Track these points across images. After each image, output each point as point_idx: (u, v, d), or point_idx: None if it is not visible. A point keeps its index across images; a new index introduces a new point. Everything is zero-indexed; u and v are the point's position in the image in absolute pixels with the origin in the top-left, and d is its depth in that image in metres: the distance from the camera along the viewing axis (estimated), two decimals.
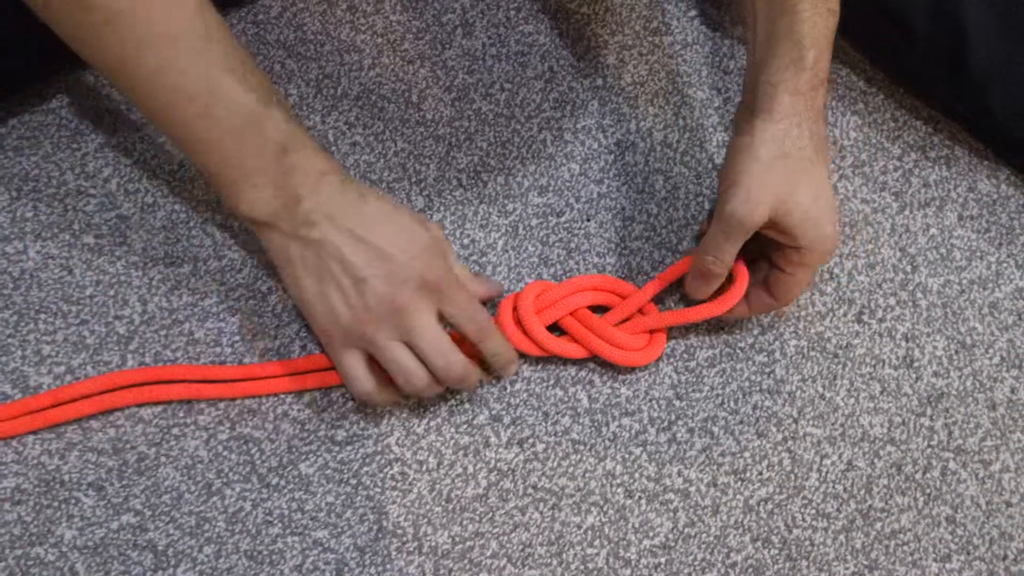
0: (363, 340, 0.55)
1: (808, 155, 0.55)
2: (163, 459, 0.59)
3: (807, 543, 0.61)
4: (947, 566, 0.62)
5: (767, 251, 0.59)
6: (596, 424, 0.62)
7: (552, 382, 0.63)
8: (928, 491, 0.63)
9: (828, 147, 0.56)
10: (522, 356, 0.62)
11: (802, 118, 0.55)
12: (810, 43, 0.55)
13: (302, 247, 0.54)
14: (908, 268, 0.69)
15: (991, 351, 0.67)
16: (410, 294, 0.54)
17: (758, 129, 0.55)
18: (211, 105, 0.51)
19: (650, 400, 0.63)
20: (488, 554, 0.59)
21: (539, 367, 0.63)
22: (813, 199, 0.55)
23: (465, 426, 0.62)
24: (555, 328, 0.62)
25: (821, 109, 0.56)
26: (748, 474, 0.62)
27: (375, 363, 0.56)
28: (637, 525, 0.60)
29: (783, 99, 0.55)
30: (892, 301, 0.68)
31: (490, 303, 0.64)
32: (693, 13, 0.76)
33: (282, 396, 0.61)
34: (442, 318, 0.56)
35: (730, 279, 0.60)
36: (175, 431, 0.60)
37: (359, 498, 0.59)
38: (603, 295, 0.61)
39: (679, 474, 0.61)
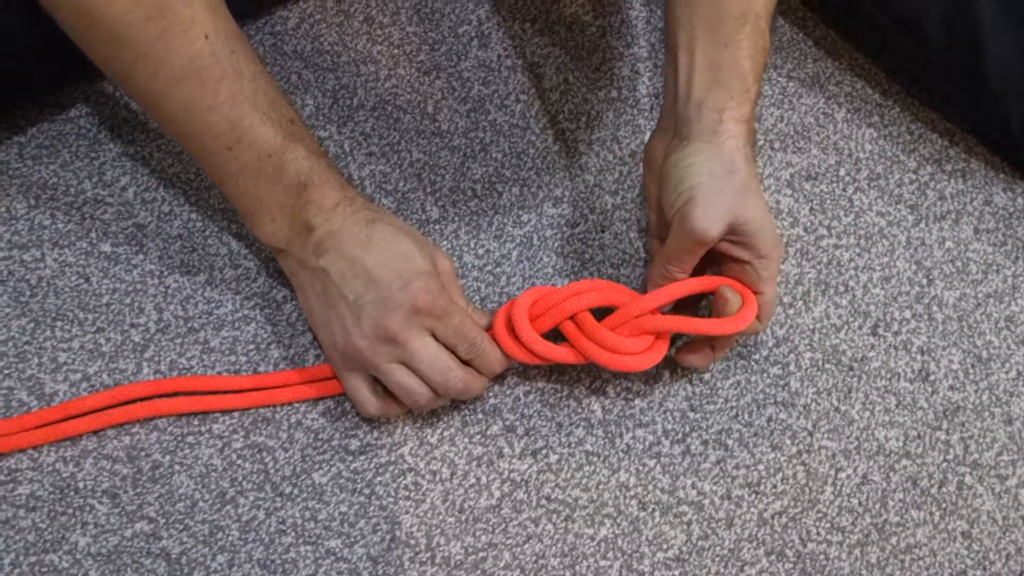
0: (364, 364, 0.56)
1: (751, 172, 0.57)
2: (177, 467, 0.59)
3: (822, 557, 0.60)
4: None
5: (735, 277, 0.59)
6: (610, 435, 0.62)
7: (566, 393, 0.63)
8: (944, 506, 0.62)
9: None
10: (530, 367, 0.62)
11: (743, 141, 0.57)
12: (753, 79, 0.57)
13: (311, 274, 0.57)
14: (924, 281, 0.69)
15: (1007, 365, 0.67)
16: (402, 320, 0.55)
17: (706, 150, 0.56)
18: (236, 141, 0.53)
19: (664, 412, 0.63)
20: (501, 565, 0.58)
21: (552, 378, 0.63)
22: (758, 211, 0.56)
23: (479, 436, 0.61)
24: (556, 335, 0.60)
25: (754, 135, 0.59)
26: (762, 487, 0.61)
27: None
28: (651, 537, 0.60)
29: (729, 125, 0.57)
30: (908, 314, 0.68)
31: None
32: None
33: (296, 405, 0.61)
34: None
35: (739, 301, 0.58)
36: (189, 439, 0.60)
37: (372, 508, 0.59)
38: (604, 296, 0.58)
39: (693, 486, 0.61)
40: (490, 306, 0.65)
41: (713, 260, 0.59)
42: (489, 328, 0.59)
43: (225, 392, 0.61)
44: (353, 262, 0.55)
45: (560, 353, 0.58)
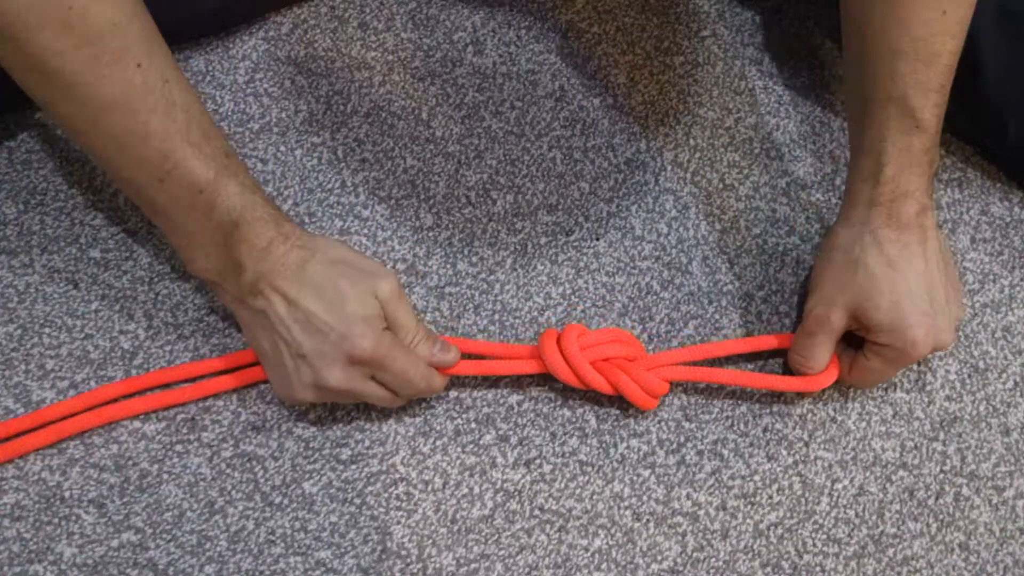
0: (310, 400, 0.57)
1: (887, 261, 0.57)
2: (165, 476, 0.58)
3: (818, 569, 0.60)
4: None
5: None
6: (604, 445, 0.61)
7: (560, 402, 0.62)
8: (941, 517, 0.62)
9: (933, 255, 0.59)
10: (523, 376, 0.62)
11: (877, 226, 0.58)
12: (888, 159, 0.57)
13: (251, 315, 0.56)
14: None
15: (1004, 375, 0.66)
16: (340, 374, 0.54)
17: (835, 234, 0.60)
18: (167, 175, 0.51)
19: (659, 421, 0.63)
20: None
21: (546, 387, 0.63)
22: (890, 304, 0.56)
23: (471, 446, 0.61)
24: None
25: (913, 217, 0.58)
26: (758, 498, 0.61)
27: None
28: (645, 549, 0.59)
29: (859, 209, 0.59)
30: None
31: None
32: (705, 33, 0.76)
33: (287, 413, 0.60)
34: None
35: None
36: (178, 447, 0.59)
37: (363, 518, 0.58)
38: (627, 348, 0.60)
39: (688, 497, 0.61)
40: (484, 314, 0.64)
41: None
42: (438, 354, 0.58)
43: (200, 378, 0.61)
44: (290, 305, 0.54)
45: (598, 381, 0.59)
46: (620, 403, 0.62)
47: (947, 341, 0.58)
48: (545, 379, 0.63)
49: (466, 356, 0.61)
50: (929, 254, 0.58)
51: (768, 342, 0.63)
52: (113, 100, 0.48)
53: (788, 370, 0.64)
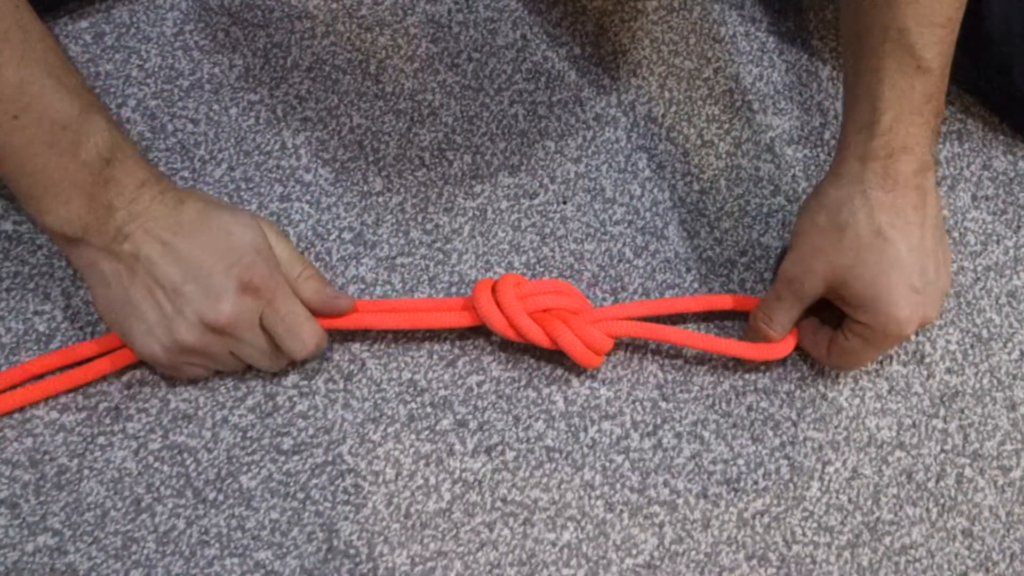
0: (186, 355, 0.54)
1: (876, 228, 0.53)
2: (86, 472, 0.56)
3: (808, 560, 0.58)
4: None
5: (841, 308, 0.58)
6: (573, 429, 0.59)
7: (524, 382, 0.60)
8: (942, 501, 0.60)
9: (930, 222, 0.55)
10: (484, 354, 0.60)
11: (870, 187, 0.54)
12: (887, 105, 0.53)
13: (115, 263, 0.52)
14: None
15: (1010, 345, 0.64)
16: (230, 307, 0.52)
17: (823, 192, 0.56)
18: (23, 109, 0.47)
19: (633, 402, 0.60)
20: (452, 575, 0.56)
21: (509, 365, 0.60)
22: (875, 276, 0.53)
23: (426, 432, 0.59)
24: None
25: (910, 177, 0.54)
26: (742, 484, 0.59)
27: None
28: (619, 542, 0.57)
29: (851, 164, 0.54)
30: None
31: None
32: None
33: (222, 401, 0.58)
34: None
35: None
36: (100, 440, 0.57)
37: (307, 514, 0.56)
38: (577, 303, 0.59)
39: (665, 484, 0.59)
40: (440, 287, 0.62)
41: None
42: (323, 313, 0.57)
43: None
44: (166, 246, 0.51)
45: (536, 333, 0.57)
46: (591, 383, 0.60)
47: (933, 316, 0.55)
48: (507, 358, 0.61)
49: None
50: (926, 222, 0.54)
51: (724, 301, 0.61)
52: None
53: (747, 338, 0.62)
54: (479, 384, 0.60)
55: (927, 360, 0.63)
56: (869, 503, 0.60)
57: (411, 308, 0.59)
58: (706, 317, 0.63)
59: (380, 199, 0.64)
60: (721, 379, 0.61)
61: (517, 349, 0.60)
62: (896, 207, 0.53)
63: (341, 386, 0.58)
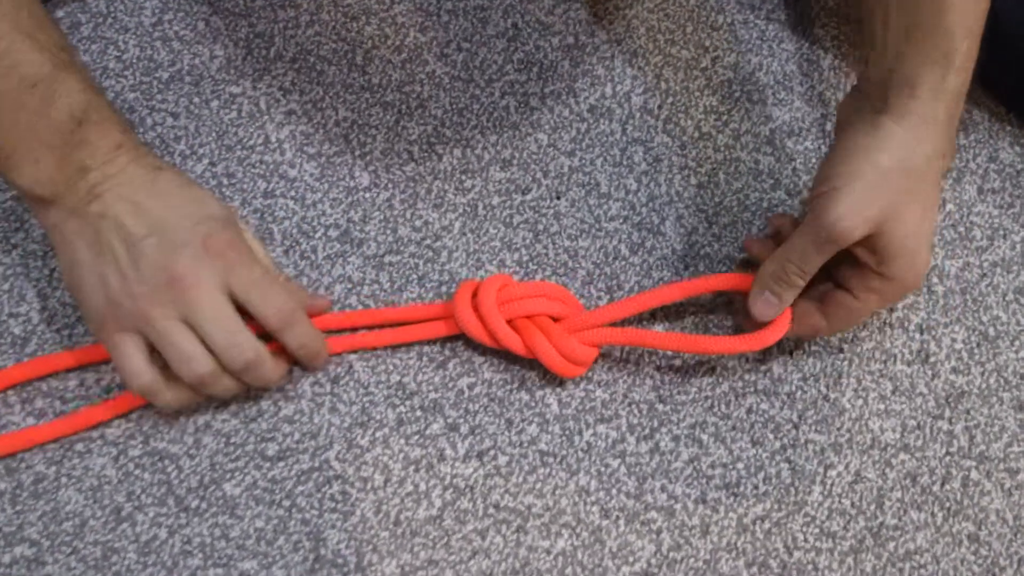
0: (136, 319, 0.51)
1: (931, 170, 0.51)
2: (64, 480, 0.55)
3: (810, 567, 0.57)
4: None
5: (834, 266, 0.55)
6: (567, 433, 0.58)
7: (516, 385, 0.59)
8: (947, 505, 0.60)
9: (951, 160, 0.54)
10: (475, 355, 0.59)
11: (937, 127, 0.51)
12: (963, 34, 0.49)
13: (82, 223, 0.51)
14: None
15: (1017, 344, 0.63)
16: (189, 262, 0.50)
17: (884, 130, 0.51)
18: None
19: (629, 404, 0.59)
20: None
21: (502, 367, 0.59)
22: (918, 223, 0.51)
23: (416, 437, 0.58)
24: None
25: (957, 117, 0.52)
26: (742, 488, 0.58)
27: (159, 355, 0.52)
28: (615, 549, 0.56)
29: (924, 100, 0.50)
30: None
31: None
32: None
33: (204, 405, 0.57)
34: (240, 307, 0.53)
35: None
36: (79, 447, 0.56)
37: (293, 522, 0.55)
38: (565, 308, 0.58)
39: (663, 489, 0.58)
40: (430, 286, 0.61)
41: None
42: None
43: None
44: (136, 206, 0.50)
45: (515, 342, 0.56)
46: (586, 385, 0.60)
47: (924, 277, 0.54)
48: (499, 360, 0.60)
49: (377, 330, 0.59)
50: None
51: (721, 281, 0.58)
52: None
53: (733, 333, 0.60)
54: (470, 387, 0.59)
55: (932, 359, 0.62)
56: (872, 507, 0.59)
57: (389, 317, 0.58)
58: (698, 311, 0.62)
59: (367, 195, 0.63)
60: (720, 380, 0.60)
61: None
62: (947, 149, 0.52)
63: (328, 389, 0.57)
